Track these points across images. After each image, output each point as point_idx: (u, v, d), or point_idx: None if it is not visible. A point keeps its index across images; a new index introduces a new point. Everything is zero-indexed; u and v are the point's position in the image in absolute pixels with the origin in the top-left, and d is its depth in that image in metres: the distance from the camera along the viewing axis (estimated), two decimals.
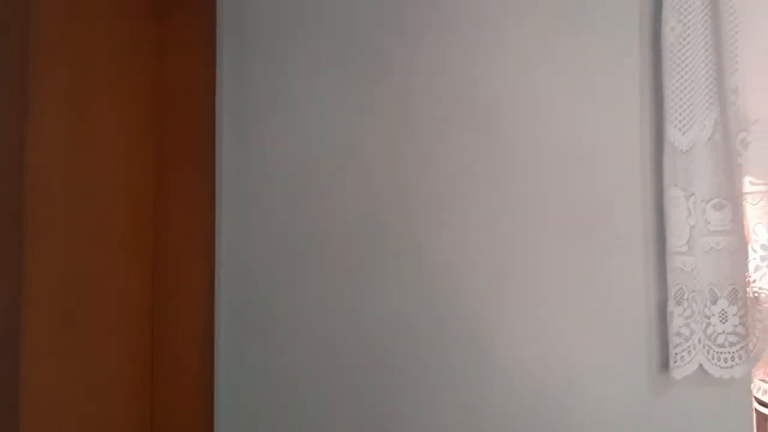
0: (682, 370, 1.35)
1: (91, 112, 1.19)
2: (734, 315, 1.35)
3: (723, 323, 1.35)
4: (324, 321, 1.46)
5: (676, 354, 1.34)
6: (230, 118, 1.50)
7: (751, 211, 1.35)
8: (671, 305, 1.35)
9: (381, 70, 1.48)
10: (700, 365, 1.35)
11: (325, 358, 1.46)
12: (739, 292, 1.35)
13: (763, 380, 3.88)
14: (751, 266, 1.34)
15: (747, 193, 1.35)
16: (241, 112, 1.50)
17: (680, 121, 1.36)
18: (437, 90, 1.44)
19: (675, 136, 1.36)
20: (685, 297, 1.35)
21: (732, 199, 1.36)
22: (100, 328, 1.20)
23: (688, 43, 1.36)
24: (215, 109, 1.48)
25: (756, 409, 1.45)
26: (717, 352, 1.35)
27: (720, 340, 1.35)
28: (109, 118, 1.24)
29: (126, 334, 1.28)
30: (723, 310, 1.35)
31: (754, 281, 1.34)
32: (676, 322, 1.35)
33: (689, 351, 1.34)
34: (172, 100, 1.43)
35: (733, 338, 1.35)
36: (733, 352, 1.35)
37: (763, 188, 1.36)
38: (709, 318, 1.36)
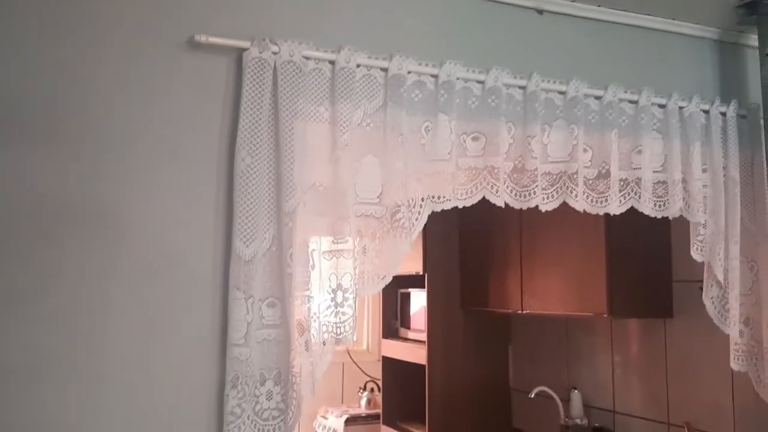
0: None
1: None
2: (278, 394, 1.68)
3: (269, 401, 1.67)
4: None
5: (229, 430, 1.62)
6: None
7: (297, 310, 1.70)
8: (228, 389, 1.62)
9: None
10: None
11: None
12: (282, 375, 1.68)
13: (323, 416, 4.50)
14: (293, 355, 1.67)
15: (293, 297, 1.69)
16: None
17: (245, 236, 1.65)
18: None
19: (240, 247, 1.64)
20: (240, 381, 1.63)
21: (282, 299, 1.69)
22: None
23: (256, 172, 1.66)
24: None
25: None
26: (262, 426, 1.66)
27: (265, 415, 1.66)
28: None
29: None
30: (269, 390, 1.67)
31: (293, 367, 1.67)
32: (230, 403, 1.62)
33: (239, 427, 1.63)
34: None
35: (275, 413, 1.67)
36: (275, 425, 1.67)
37: (306, 293, 1.72)
38: (258, 397, 1.66)
